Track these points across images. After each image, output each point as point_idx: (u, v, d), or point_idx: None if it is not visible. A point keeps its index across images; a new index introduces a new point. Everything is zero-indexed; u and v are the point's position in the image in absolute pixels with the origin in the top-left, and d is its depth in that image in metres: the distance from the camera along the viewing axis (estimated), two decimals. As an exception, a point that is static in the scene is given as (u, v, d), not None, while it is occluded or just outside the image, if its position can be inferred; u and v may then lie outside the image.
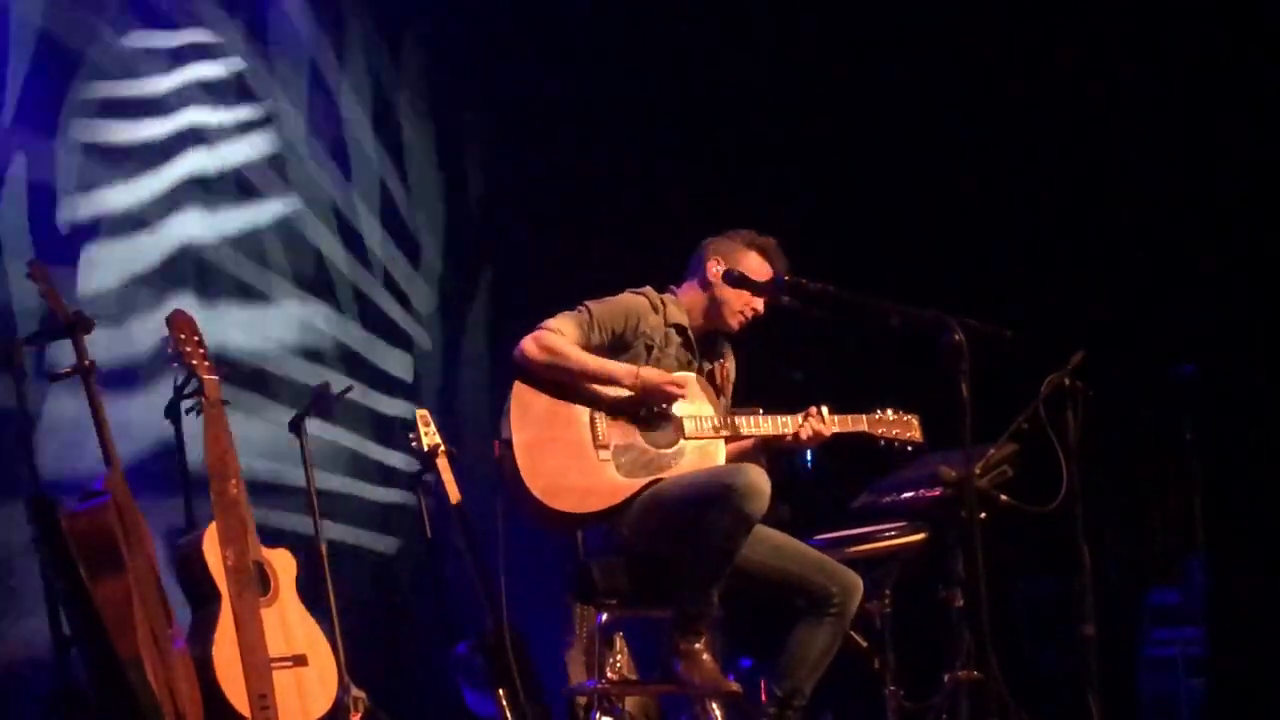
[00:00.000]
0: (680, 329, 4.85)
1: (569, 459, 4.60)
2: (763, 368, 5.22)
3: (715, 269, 4.87)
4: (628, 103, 7.17)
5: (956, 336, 4.64)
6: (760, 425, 4.77)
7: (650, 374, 4.67)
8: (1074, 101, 6.98)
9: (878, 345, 4.85)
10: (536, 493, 4.55)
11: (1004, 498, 5.06)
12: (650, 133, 7.16)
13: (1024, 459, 5.13)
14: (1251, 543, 6.28)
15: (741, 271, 4.83)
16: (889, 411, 4.91)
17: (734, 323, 4.89)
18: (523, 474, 4.55)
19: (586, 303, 4.76)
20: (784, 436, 4.77)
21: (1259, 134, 6.63)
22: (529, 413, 4.61)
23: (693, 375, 4.81)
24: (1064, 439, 4.92)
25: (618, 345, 4.74)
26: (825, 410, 4.78)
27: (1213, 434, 6.12)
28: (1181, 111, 6.77)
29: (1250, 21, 6.64)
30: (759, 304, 4.90)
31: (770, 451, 4.91)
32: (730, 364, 4.99)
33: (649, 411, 4.70)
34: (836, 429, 4.79)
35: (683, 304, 4.89)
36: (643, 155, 7.04)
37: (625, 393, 4.68)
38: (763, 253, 4.91)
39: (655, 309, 4.82)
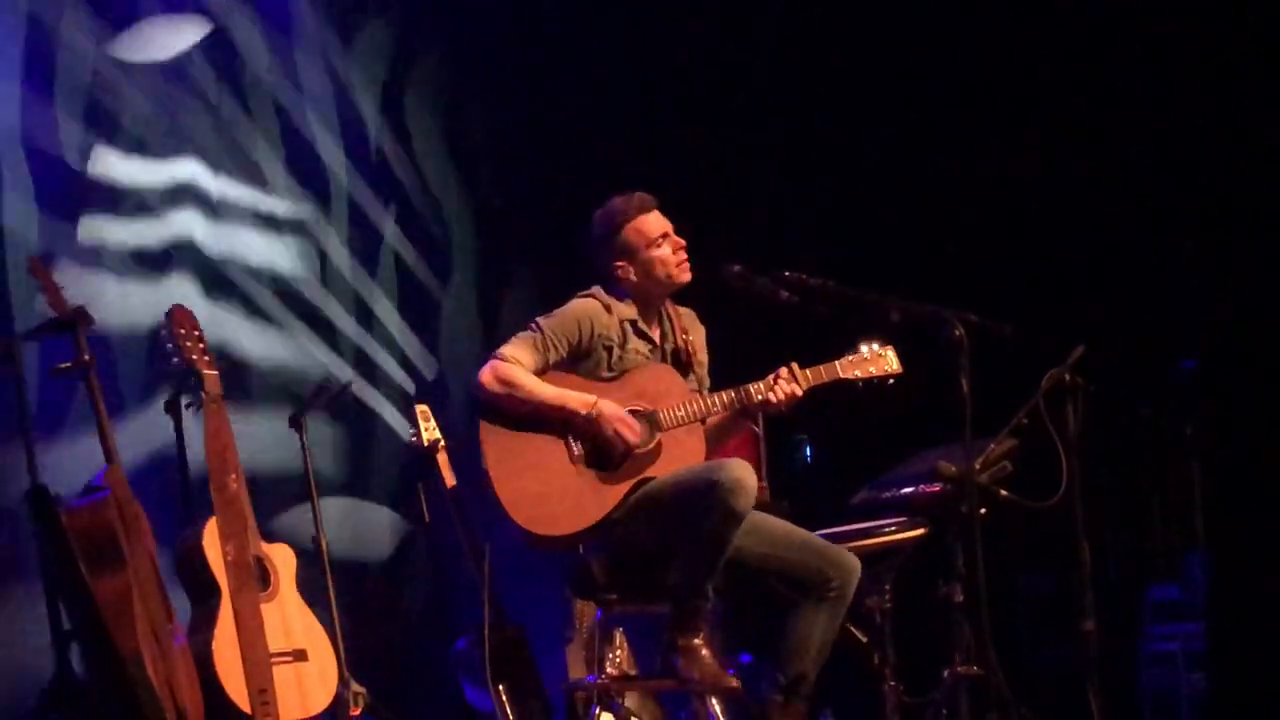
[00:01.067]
0: (632, 323, 4.76)
1: (548, 482, 4.55)
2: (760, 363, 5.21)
3: (624, 273, 4.74)
4: (628, 103, 7.16)
5: (957, 332, 4.66)
6: (731, 398, 4.68)
7: (606, 408, 4.58)
8: (1075, 97, 6.97)
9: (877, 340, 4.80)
10: (524, 524, 4.52)
11: (1004, 493, 5.05)
12: (651, 133, 7.16)
13: (1024, 454, 5.12)
14: (1252, 538, 6.26)
15: (741, 267, 4.79)
16: (861, 349, 4.76)
17: (680, 275, 4.77)
18: (506, 508, 4.52)
19: (538, 319, 4.69)
20: (758, 404, 4.68)
21: (1260, 131, 6.62)
22: (499, 443, 4.57)
23: (661, 364, 4.76)
24: (1064, 434, 4.92)
25: (577, 355, 4.69)
26: (795, 367, 4.69)
27: (1213, 430, 6.11)
28: (1182, 108, 6.76)
29: (1250, 21, 6.62)
30: (675, 241, 4.75)
31: (751, 418, 4.87)
32: (695, 334, 4.88)
33: (599, 445, 4.58)
34: (810, 383, 4.69)
35: (624, 300, 4.79)
36: (644, 155, 7.03)
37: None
38: (634, 211, 4.76)
39: (608, 308, 4.74)
